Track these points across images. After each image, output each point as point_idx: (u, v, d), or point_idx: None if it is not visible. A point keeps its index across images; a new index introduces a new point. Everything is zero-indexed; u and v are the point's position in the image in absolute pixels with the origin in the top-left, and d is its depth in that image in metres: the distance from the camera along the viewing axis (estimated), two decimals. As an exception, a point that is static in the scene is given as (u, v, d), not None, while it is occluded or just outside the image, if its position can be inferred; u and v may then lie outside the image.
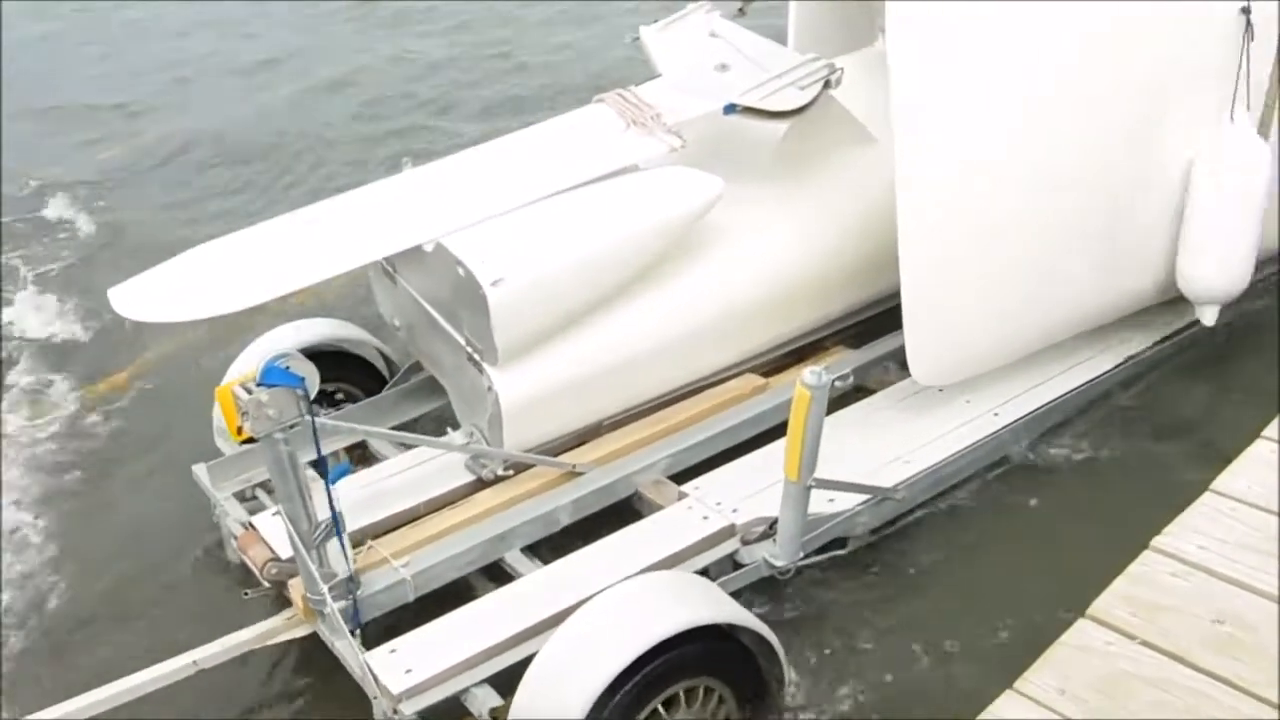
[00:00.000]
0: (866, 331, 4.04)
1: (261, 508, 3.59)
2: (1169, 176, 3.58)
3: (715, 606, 2.78)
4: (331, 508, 2.90)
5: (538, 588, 3.07)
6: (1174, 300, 3.89)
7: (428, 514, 3.39)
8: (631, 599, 2.79)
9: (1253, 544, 2.57)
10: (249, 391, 2.74)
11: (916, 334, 3.42)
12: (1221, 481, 2.78)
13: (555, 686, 2.63)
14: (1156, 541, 2.62)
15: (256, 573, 3.26)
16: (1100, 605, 2.48)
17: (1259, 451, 2.87)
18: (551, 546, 3.33)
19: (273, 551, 3.25)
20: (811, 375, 2.78)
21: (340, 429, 3.18)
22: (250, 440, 3.67)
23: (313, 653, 3.25)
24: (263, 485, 3.70)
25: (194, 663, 3.12)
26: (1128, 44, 3.45)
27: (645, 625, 2.66)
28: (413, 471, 3.56)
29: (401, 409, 3.94)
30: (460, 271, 3.22)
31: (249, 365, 3.88)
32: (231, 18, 8.84)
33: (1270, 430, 2.92)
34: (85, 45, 8.61)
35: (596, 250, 3.35)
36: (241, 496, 3.66)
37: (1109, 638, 2.40)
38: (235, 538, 3.43)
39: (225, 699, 3.29)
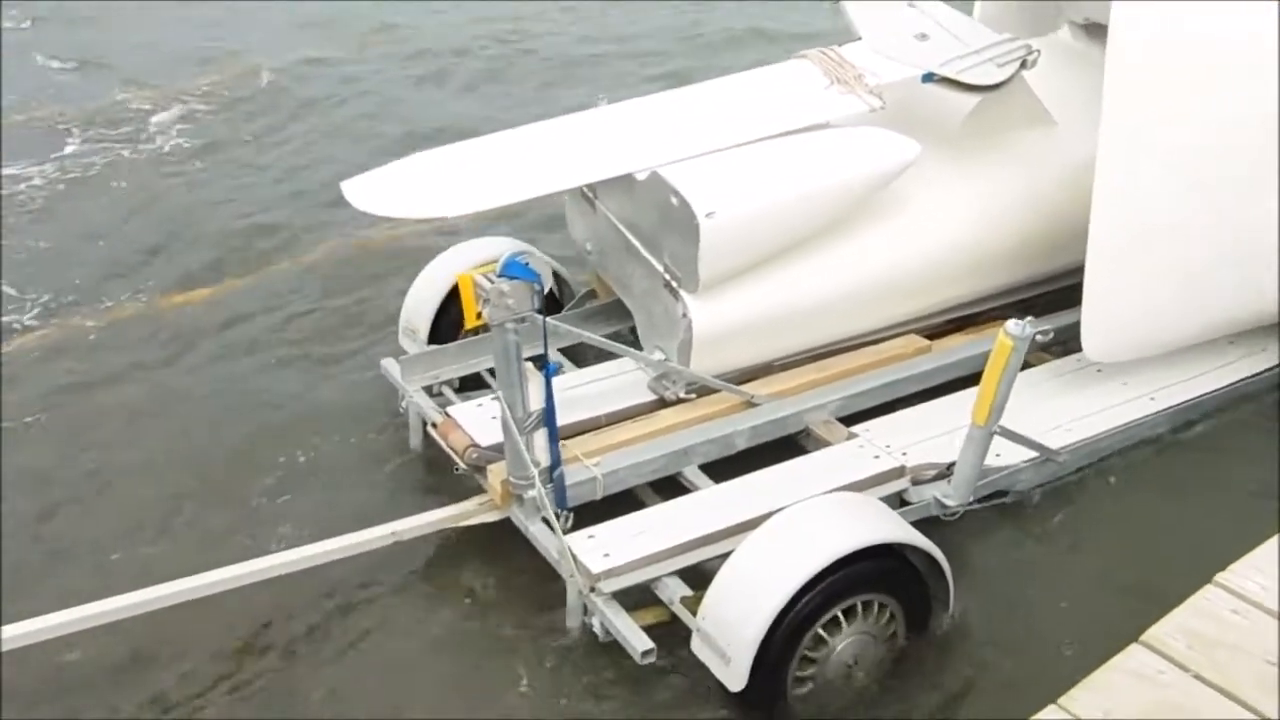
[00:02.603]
0: (1025, 309, 4.19)
1: (447, 403, 3.85)
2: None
3: (898, 527, 2.98)
4: (549, 399, 3.12)
5: (722, 499, 3.28)
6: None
7: (608, 425, 3.61)
8: (822, 512, 3.00)
9: None
10: (491, 281, 2.97)
11: (1094, 310, 3.57)
12: None
13: (748, 585, 2.84)
14: (1220, 577, 2.61)
15: (455, 458, 3.50)
16: (1156, 633, 2.47)
17: None
18: (723, 470, 3.52)
19: (471, 439, 3.48)
20: (1015, 326, 2.96)
21: (559, 330, 3.38)
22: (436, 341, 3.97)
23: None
24: (448, 383, 3.96)
25: (392, 533, 3.37)
26: None
27: (835, 537, 2.86)
28: (591, 386, 3.78)
29: (572, 334, 4.17)
30: (674, 201, 3.42)
31: (439, 274, 4.14)
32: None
33: None
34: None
35: (801, 196, 3.54)
36: (428, 392, 3.92)
37: (1161, 666, 2.39)
38: (433, 425, 3.67)
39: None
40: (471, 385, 4.00)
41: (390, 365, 4.01)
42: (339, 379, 4.41)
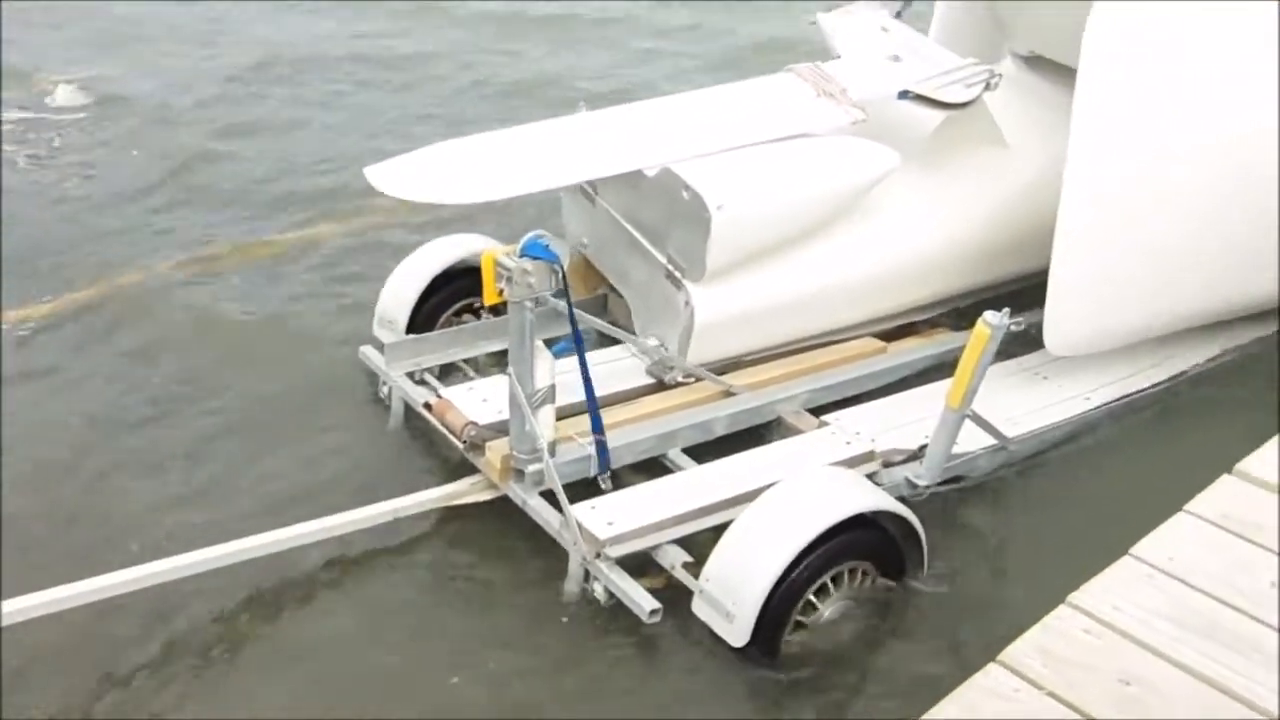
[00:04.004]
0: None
1: (430, 389, 3.98)
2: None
3: (884, 498, 3.24)
4: (585, 371, 3.35)
5: (712, 476, 3.49)
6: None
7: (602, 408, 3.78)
8: (818, 483, 3.25)
9: (1167, 612, 2.65)
10: (514, 260, 3.13)
11: (1058, 305, 3.89)
12: (1140, 548, 2.85)
13: (754, 547, 3.05)
14: (1073, 597, 2.70)
15: (453, 437, 3.64)
16: (1012, 652, 2.55)
17: (1180, 523, 2.94)
18: (699, 456, 3.70)
19: (469, 418, 3.62)
20: (993, 316, 3.25)
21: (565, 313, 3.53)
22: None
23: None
24: (429, 370, 4.09)
25: (393, 511, 3.49)
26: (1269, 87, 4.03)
27: (833, 505, 3.10)
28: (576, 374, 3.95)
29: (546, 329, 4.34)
30: (685, 195, 3.64)
31: (418, 268, 4.28)
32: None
33: (1193, 505, 3.00)
34: None
35: (798, 197, 3.83)
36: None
37: (1016, 684, 2.46)
38: (426, 406, 3.80)
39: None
40: (445, 375, 4.14)
41: (370, 352, 4.13)
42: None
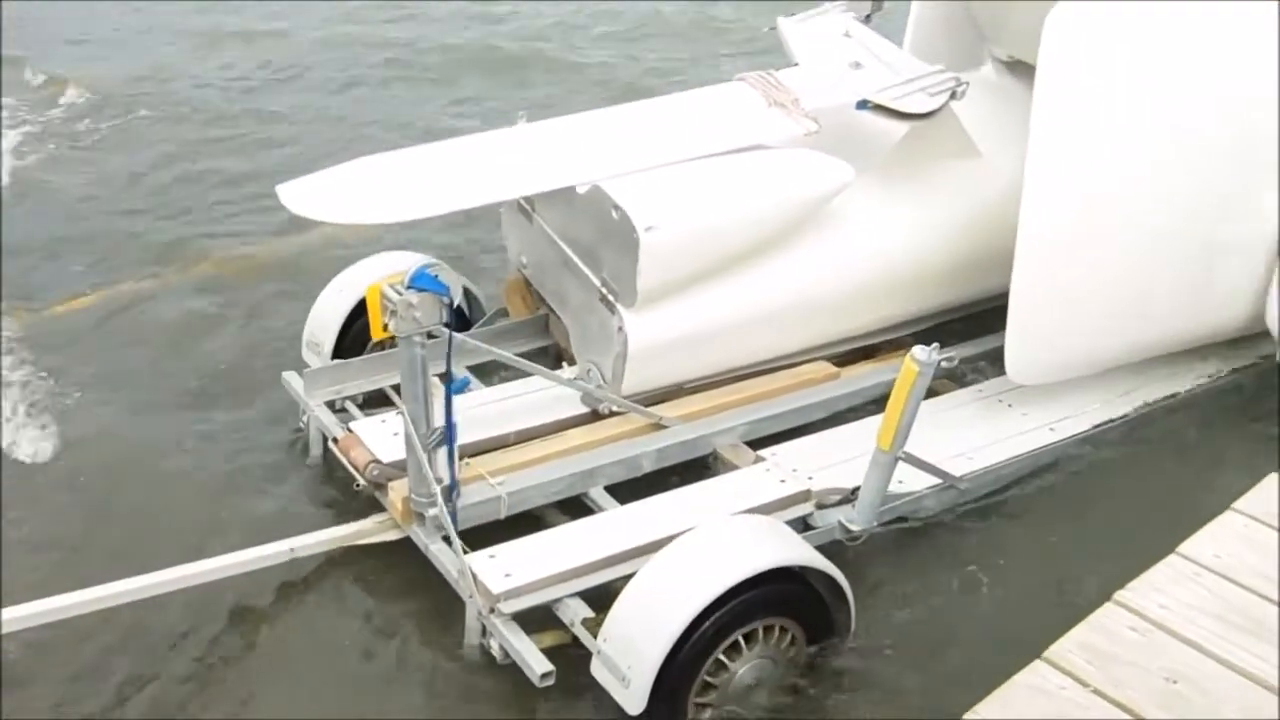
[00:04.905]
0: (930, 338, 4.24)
1: (350, 419, 3.76)
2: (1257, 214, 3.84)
3: (801, 550, 2.97)
4: (449, 418, 3.06)
5: (626, 520, 3.25)
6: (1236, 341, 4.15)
7: (516, 444, 3.56)
8: (726, 535, 2.98)
9: (1213, 610, 2.63)
10: (399, 293, 2.91)
11: (1018, 333, 3.65)
12: (1187, 546, 2.83)
13: (650, 607, 2.81)
14: (1119, 595, 2.68)
15: (356, 474, 3.43)
16: (1058, 649, 2.52)
17: (1228, 521, 2.91)
18: (631, 492, 3.47)
19: (373, 455, 3.41)
20: (922, 352, 2.99)
21: (468, 346, 3.31)
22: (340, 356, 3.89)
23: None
24: (351, 399, 3.88)
25: (290, 550, 3.29)
26: (1233, 102, 3.76)
27: (739, 560, 2.84)
28: (502, 404, 3.73)
29: (479, 351, 4.11)
30: (614, 214, 3.40)
31: (346, 287, 4.06)
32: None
33: (1241, 503, 2.97)
34: None
35: (740, 215, 3.58)
36: (330, 407, 3.83)
37: (1063, 682, 2.44)
38: (335, 440, 3.59)
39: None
40: (376, 402, 3.93)
41: (291, 378, 3.93)
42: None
